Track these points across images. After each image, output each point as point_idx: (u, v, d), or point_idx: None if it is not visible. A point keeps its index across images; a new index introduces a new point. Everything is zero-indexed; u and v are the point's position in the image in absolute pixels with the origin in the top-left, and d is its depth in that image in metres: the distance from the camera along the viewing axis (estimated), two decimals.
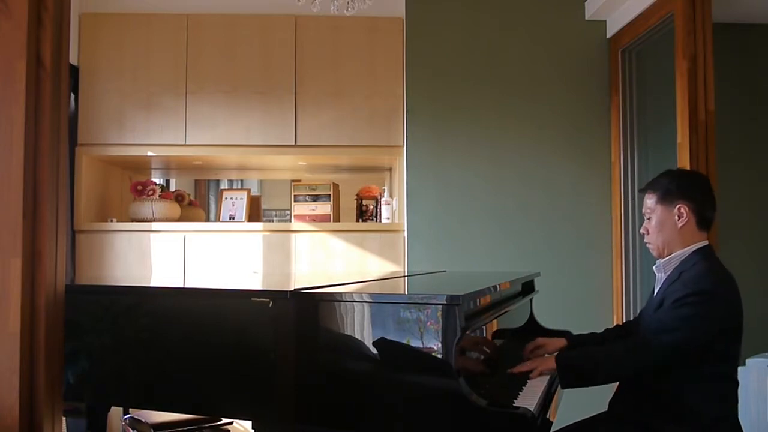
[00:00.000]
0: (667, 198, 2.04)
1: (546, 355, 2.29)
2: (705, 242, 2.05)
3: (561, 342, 2.29)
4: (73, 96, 3.72)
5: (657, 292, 2.08)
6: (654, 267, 2.14)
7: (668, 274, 2.05)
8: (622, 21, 3.70)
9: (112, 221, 3.82)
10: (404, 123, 3.81)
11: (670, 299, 1.93)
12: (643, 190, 2.15)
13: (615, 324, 2.48)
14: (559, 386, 1.95)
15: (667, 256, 2.06)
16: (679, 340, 1.86)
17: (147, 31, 3.78)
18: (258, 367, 1.75)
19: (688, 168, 3.05)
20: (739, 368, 3.16)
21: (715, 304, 1.88)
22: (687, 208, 2.02)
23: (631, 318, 3.52)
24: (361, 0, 2.63)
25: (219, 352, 1.83)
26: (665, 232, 2.04)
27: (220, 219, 4.08)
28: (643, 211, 2.13)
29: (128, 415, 2.95)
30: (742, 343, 1.99)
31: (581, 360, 1.98)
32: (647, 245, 2.15)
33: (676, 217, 2.02)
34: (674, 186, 2.04)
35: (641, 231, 2.15)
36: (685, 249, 2.03)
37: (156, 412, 2.81)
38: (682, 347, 1.86)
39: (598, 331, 2.38)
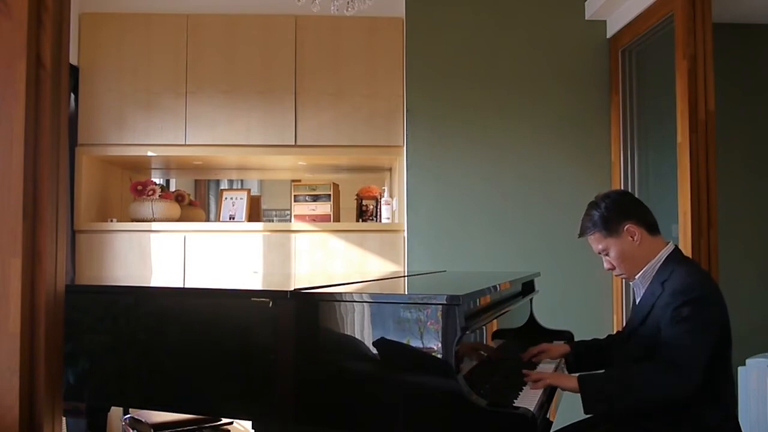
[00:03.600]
0: (611, 228, 2.03)
1: (547, 360, 2.28)
2: (670, 246, 2.05)
3: (564, 348, 2.28)
4: (73, 96, 3.72)
5: (640, 303, 2.07)
6: (631, 283, 2.14)
7: (647, 285, 2.04)
8: (622, 21, 3.70)
9: (112, 221, 3.82)
10: (404, 123, 3.81)
11: (666, 314, 1.90)
12: (582, 235, 2.12)
13: (616, 331, 2.47)
14: (583, 411, 1.86)
15: (639, 273, 2.05)
16: (704, 353, 1.82)
17: (147, 31, 3.78)
18: (258, 367, 1.75)
19: (688, 168, 3.05)
20: (739, 368, 3.18)
21: (712, 308, 1.88)
22: (634, 225, 2.02)
23: None
24: (361, 0, 2.63)
25: (219, 352, 1.83)
26: (629, 258, 2.04)
27: (220, 219, 4.08)
28: (596, 251, 2.10)
29: (128, 415, 2.96)
30: (738, 343, 1.98)
31: (610, 386, 1.87)
32: (619, 276, 2.15)
33: (631, 238, 2.02)
34: (608, 212, 2.03)
35: (606, 268, 2.12)
36: (654, 260, 2.03)
37: (156, 412, 2.81)
38: (708, 360, 1.83)
39: (598, 335, 2.38)
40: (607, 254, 2.07)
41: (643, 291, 2.06)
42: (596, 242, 2.08)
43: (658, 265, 2.02)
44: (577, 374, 1.95)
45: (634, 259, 2.04)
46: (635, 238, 2.02)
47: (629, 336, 2.11)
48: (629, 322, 2.19)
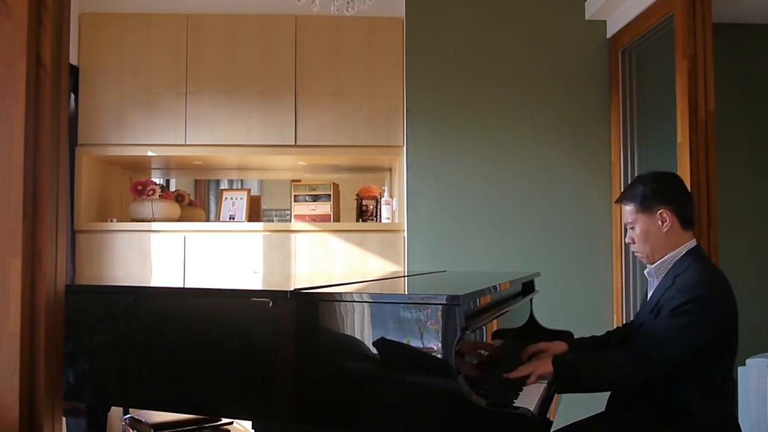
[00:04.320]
0: (646, 205, 2.03)
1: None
2: (693, 242, 2.05)
3: (562, 346, 2.28)
4: (73, 96, 3.72)
5: (651, 296, 2.08)
6: (645, 272, 2.14)
7: (661, 278, 2.04)
8: (622, 21, 3.70)
9: (112, 221, 3.82)
10: (404, 123, 3.81)
11: (667, 307, 1.91)
12: (619, 201, 2.13)
13: (615, 327, 2.47)
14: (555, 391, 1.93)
15: (656, 261, 2.05)
16: (680, 352, 1.85)
17: (147, 31, 3.78)
18: (258, 367, 1.75)
19: (688, 168, 3.05)
20: (739, 368, 3.18)
21: (713, 309, 1.88)
22: (669, 212, 2.01)
23: (631, 318, 3.51)
24: (361, 0, 2.63)
25: (219, 352, 1.83)
26: (652, 240, 2.04)
27: (220, 219, 4.08)
28: (624, 221, 2.11)
29: (128, 415, 2.96)
30: (738, 343, 1.98)
31: (580, 366, 1.95)
32: (635, 254, 2.15)
33: (660, 223, 2.02)
34: (650, 192, 2.03)
35: (627, 241, 2.13)
36: (675, 252, 2.02)
37: (156, 412, 2.81)
38: (683, 358, 1.86)
39: (599, 334, 2.38)
40: (633, 228, 2.07)
41: (656, 283, 2.06)
42: (628, 213, 2.08)
43: (675, 259, 2.02)
44: (551, 357, 1.98)
45: (656, 243, 2.03)
46: (665, 224, 2.01)
47: (638, 328, 2.11)
48: (638, 314, 2.20)
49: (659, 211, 2.02)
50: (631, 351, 1.96)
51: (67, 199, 1.40)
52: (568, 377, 1.90)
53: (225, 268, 3.73)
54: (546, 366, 1.93)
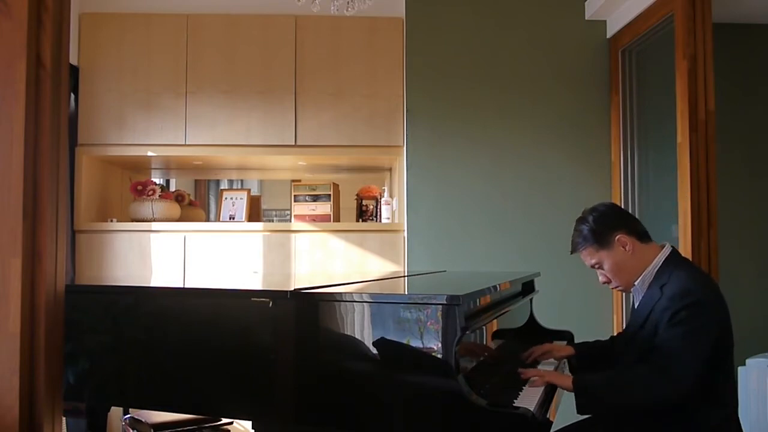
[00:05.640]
0: (602, 240, 2.02)
1: (552, 360, 2.28)
2: (668, 250, 2.04)
3: (568, 350, 2.27)
4: (73, 96, 3.72)
5: (639, 306, 2.07)
6: (631, 290, 2.13)
7: (645, 291, 2.03)
8: (622, 21, 3.70)
9: (112, 221, 3.82)
10: (404, 123, 3.81)
11: (663, 320, 1.89)
12: (574, 251, 2.11)
13: (617, 332, 2.46)
14: (576, 410, 1.88)
15: (637, 280, 2.05)
16: (698, 355, 1.82)
17: (147, 31, 3.78)
18: (258, 367, 1.75)
19: (688, 168, 3.05)
20: (739, 368, 3.18)
21: (708, 312, 1.87)
22: (624, 235, 2.01)
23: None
24: (361, 0, 2.63)
25: (219, 352, 1.83)
26: (624, 268, 2.03)
27: (220, 219, 4.08)
28: (590, 266, 2.09)
29: (128, 415, 2.96)
30: (738, 343, 1.98)
31: (603, 392, 1.89)
32: (616, 290, 2.14)
33: (623, 248, 2.01)
34: (596, 225, 2.03)
35: (601, 281, 2.11)
36: (651, 266, 2.02)
37: (156, 412, 2.81)
38: (701, 364, 1.83)
39: (599, 335, 2.37)
40: (600, 267, 2.06)
41: (642, 295, 2.05)
42: (589, 257, 2.07)
43: (656, 269, 2.01)
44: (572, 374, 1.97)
45: (629, 269, 2.03)
46: (627, 248, 2.01)
47: (629, 340, 2.10)
48: (629, 325, 2.18)
49: (616, 238, 2.01)
50: (650, 369, 1.88)
51: (67, 199, 1.40)
52: (591, 404, 1.87)
53: (225, 268, 3.73)
54: (564, 380, 1.91)
